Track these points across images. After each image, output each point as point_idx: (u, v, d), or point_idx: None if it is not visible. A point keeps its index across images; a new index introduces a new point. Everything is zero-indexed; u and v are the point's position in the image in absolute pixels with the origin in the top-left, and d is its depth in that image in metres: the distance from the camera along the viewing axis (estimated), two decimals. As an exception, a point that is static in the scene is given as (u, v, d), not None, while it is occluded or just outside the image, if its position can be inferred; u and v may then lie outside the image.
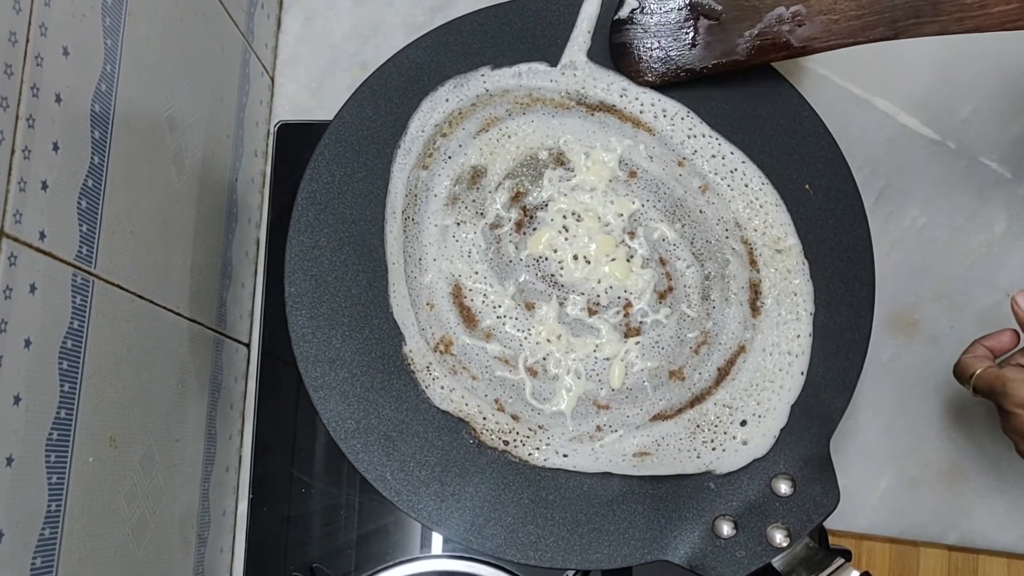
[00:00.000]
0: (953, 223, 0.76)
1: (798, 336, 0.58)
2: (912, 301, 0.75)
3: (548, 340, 0.58)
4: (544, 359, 0.58)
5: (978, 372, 0.61)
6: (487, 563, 0.66)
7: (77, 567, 0.49)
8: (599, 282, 0.59)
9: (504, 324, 0.59)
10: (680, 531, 0.55)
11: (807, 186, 0.59)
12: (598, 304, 0.59)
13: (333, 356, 0.58)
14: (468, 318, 0.59)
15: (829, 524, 0.72)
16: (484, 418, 0.57)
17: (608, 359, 0.58)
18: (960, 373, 0.63)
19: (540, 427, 0.57)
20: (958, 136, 0.76)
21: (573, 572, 0.65)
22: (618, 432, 0.57)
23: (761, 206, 0.59)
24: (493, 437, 0.57)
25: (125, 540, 0.55)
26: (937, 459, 0.74)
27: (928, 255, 0.76)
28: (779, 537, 0.54)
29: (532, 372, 0.58)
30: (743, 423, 0.57)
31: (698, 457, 0.56)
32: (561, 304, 0.59)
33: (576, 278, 0.59)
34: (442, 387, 0.57)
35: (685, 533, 0.55)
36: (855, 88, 0.77)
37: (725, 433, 0.57)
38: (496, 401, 0.58)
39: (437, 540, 0.68)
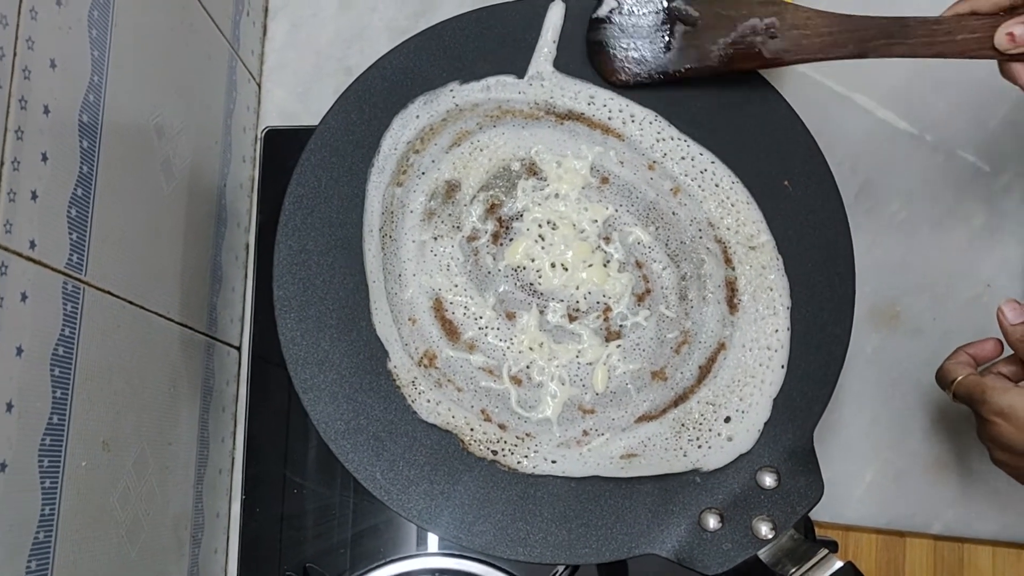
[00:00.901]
0: (933, 216, 0.77)
1: (776, 331, 0.58)
2: (894, 294, 0.76)
3: (531, 348, 0.59)
4: (528, 367, 0.59)
5: (959, 379, 0.61)
6: (479, 560, 0.67)
7: (72, 570, 0.49)
8: (577, 288, 0.60)
9: (486, 335, 0.59)
10: (667, 525, 0.56)
11: (786, 183, 0.60)
12: (578, 310, 0.60)
13: (322, 358, 0.58)
14: (450, 331, 0.59)
15: (816, 516, 0.72)
16: (471, 429, 0.58)
17: (591, 364, 0.59)
18: (942, 378, 0.63)
19: (527, 435, 0.58)
20: (936, 130, 0.77)
21: (563, 567, 0.66)
22: (604, 435, 0.58)
23: (732, 205, 0.60)
24: (481, 447, 0.57)
25: (119, 543, 0.55)
26: (922, 450, 0.74)
27: (909, 248, 0.76)
28: (764, 529, 0.55)
29: (516, 381, 0.59)
30: (727, 419, 0.58)
31: (685, 455, 0.57)
32: (541, 312, 0.60)
33: (555, 285, 0.60)
34: (428, 401, 0.58)
35: (672, 527, 0.56)
36: (833, 84, 0.78)
37: (710, 430, 0.57)
38: (482, 411, 0.58)
39: (431, 538, 0.69)
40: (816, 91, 0.78)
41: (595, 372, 0.59)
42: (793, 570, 0.53)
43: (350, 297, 0.59)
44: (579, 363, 0.59)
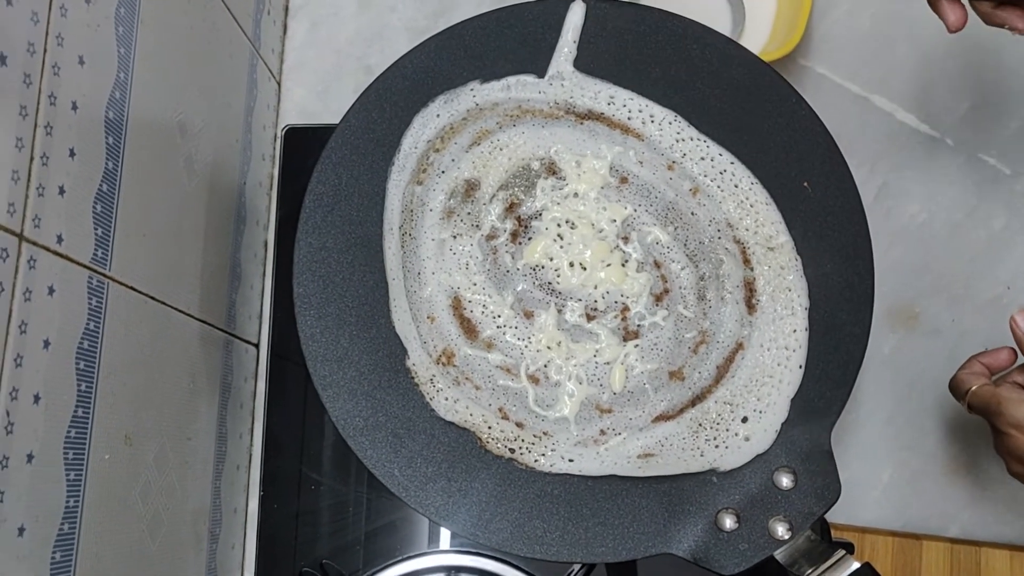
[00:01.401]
0: (953, 219, 0.77)
1: (794, 331, 0.58)
2: (913, 295, 0.76)
3: (548, 347, 0.59)
4: (545, 366, 0.59)
5: (973, 389, 0.61)
6: (493, 557, 0.67)
7: (95, 562, 0.50)
8: (596, 288, 0.60)
9: (504, 333, 0.60)
10: (683, 524, 0.56)
11: (805, 184, 0.60)
12: (596, 309, 0.60)
13: (341, 355, 0.59)
14: (469, 329, 0.60)
15: (832, 518, 0.72)
16: (489, 427, 0.58)
17: (608, 363, 0.59)
18: (956, 389, 0.63)
19: (545, 433, 0.58)
20: (956, 132, 0.77)
21: (579, 566, 0.66)
22: (622, 435, 0.58)
23: (752, 205, 0.60)
24: (499, 445, 0.58)
25: (140, 536, 0.56)
26: (939, 452, 0.74)
27: (928, 250, 0.76)
28: (781, 530, 0.55)
29: (534, 380, 0.59)
30: (744, 419, 0.58)
31: (702, 455, 0.57)
32: (559, 311, 0.60)
33: (573, 285, 0.60)
34: (446, 398, 0.58)
35: (688, 526, 0.56)
36: (853, 86, 0.78)
37: (727, 430, 0.57)
38: (500, 410, 0.58)
39: (445, 535, 0.69)
40: (836, 93, 0.78)
41: (613, 371, 0.59)
42: (810, 571, 0.53)
43: (369, 294, 0.59)
44: (597, 362, 0.59)
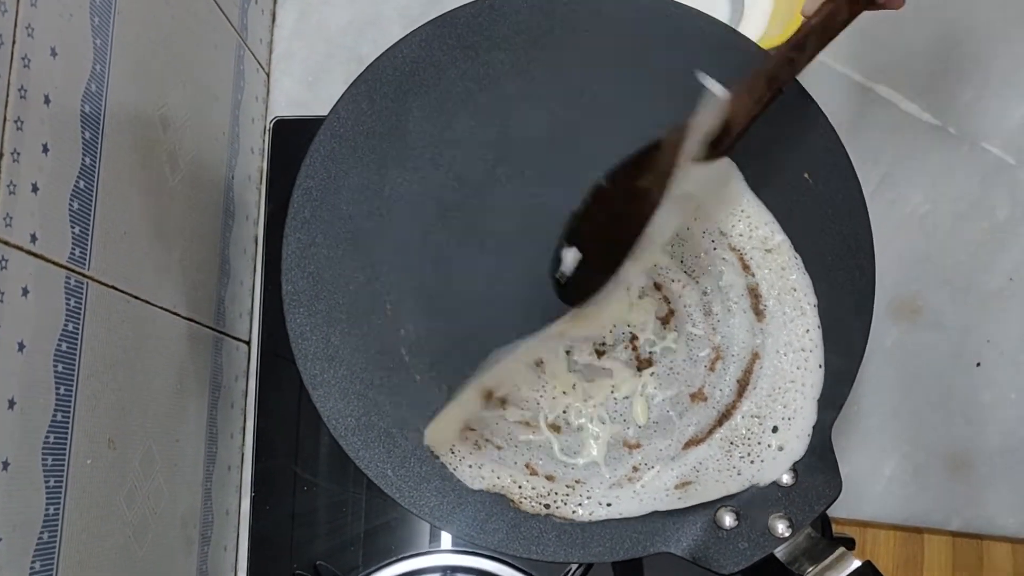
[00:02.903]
0: (956, 209, 0.75)
1: (807, 331, 0.56)
2: (916, 288, 0.75)
3: (564, 392, 0.57)
4: (564, 412, 0.57)
5: None
6: (490, 557, 0.66)
7: (77, 569, 0.49)
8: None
9: (516, 387, 0.57)
10: (682, 523, 0.55)
11: (806, 175, 0.59)
12: (604, 344, 0.58)
13: (332, 353, 0.57)
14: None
15: (834, 512, 0.72)
16: (519, 487, 0.56)
17: (627, 397, 0.57)
18: None
19: (577, 482, 0.56)
20: (959, 122, 0.76)
21: (576, 565, 0.65)
22: (655, 468, 0.56)
23: (742, 209, 0.58)
24: (533, 504, 0.55)
25: (126, 541, 0.55)
26: (942, 445, 0.74)
27: (931, 241, 0.75)
28: (781, 527, 0.54)
29: (555, 428, 0.57)
30: (775, 429, 0.56)
31: (739, 474, 0.55)
32: (568, 353, 0.58)
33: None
34: (470, 466, 0.56)
35: (687, 525, 0.55)
36: (856, 75, 0.77)
37: (759, 443, 0.56)
38: (527, 466, 0.56)
39: (446, 535, 0.68)
40: (838, 83, 0.77)
41: (633, 405, 0.57)
42: (810, 569, 0.52)
43: (360, 291, 0.58)
44: (615, 398, 0.57)
